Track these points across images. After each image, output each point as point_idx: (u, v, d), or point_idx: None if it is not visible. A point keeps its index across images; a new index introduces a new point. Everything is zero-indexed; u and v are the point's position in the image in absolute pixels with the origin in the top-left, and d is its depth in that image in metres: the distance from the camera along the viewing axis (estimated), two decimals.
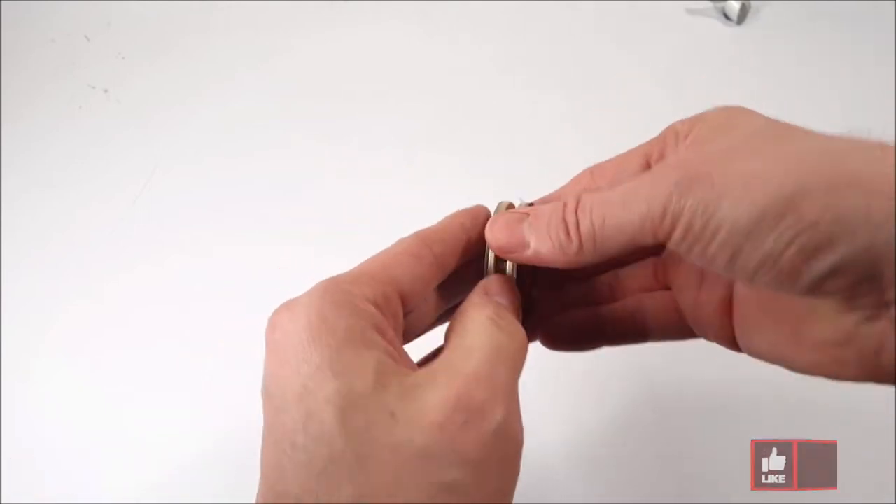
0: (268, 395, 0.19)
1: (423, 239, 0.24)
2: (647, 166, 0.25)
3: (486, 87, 0.62)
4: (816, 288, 0.19)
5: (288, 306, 0.20)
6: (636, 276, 0.29)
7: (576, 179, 0.28)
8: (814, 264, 0.19)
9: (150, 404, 0.44)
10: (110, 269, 0.51)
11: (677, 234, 0.20)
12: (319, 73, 0.64)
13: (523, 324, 0.24)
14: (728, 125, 0.23)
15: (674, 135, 0.25)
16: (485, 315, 0.22)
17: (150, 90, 0.64)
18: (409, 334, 0.24)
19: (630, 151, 0.26)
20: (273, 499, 0.19)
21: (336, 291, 0.20)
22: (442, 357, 0.21)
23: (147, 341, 0.47)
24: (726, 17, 0.66)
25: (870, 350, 0.20)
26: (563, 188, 0.28)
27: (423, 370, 0.20)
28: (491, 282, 0.25)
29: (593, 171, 0.27)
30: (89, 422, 0.43)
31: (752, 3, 0.66)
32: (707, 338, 0.26)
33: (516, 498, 0.20)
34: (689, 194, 0.19)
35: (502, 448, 0.19)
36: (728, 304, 0.25)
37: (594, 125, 0.58)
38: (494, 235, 0.24)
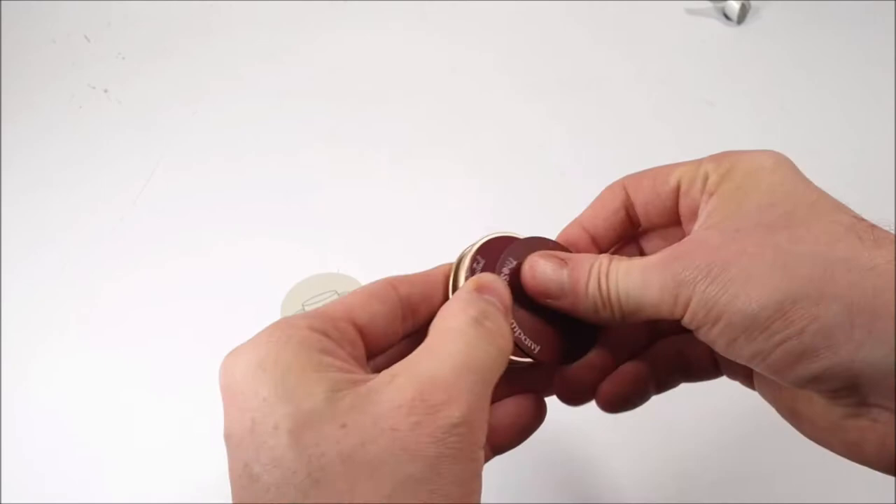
0: (226, 437, 0.20)
1: (390, 281, 0.25)
2: (677, 192, 0.26)
3: (486, 88, 0.62)
4: (802, 386, 0.21)
5: (235, 350, 0.20)
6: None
7: (609, 194, 0.27)
8: (798, 368, 0.20)
9: (150, 404, 0.44)
10: (111, 269, 0.51)
11: (686, 318, 0.22)
12: (320, 73, 0.64)
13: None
14: (751, 186, 0.23)
15: (703, 179, 0.25)
16: (468, 315, 0.21)
17: (151, 90, 0.63)
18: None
19: (665, 169, 0.26)
20: None
21: (282, 328, 0.21)
22: (411, 356, 0.21)
23: (147, 341, 0.47)
24: (726, 17, 0.66)
25: (852, 441, 0.21)
26: (594, 205, 0.28)
27: (385, 373, 0.20)
28: (484, 277, 0.24)
29: (627, 186, 0.27)
30: (89, 422, 0.43)
31: (752, 3, 0.66)
32: (738, 381, 0.27)
33: None
34: (695, 287, 0.21)
35: (458, 446, 0.19)
36: None
37: (593, 125, 0.58)
38: (533, 280, 0.25)
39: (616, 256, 0.24)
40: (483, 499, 0.20)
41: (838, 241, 0.21)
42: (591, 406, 0.27)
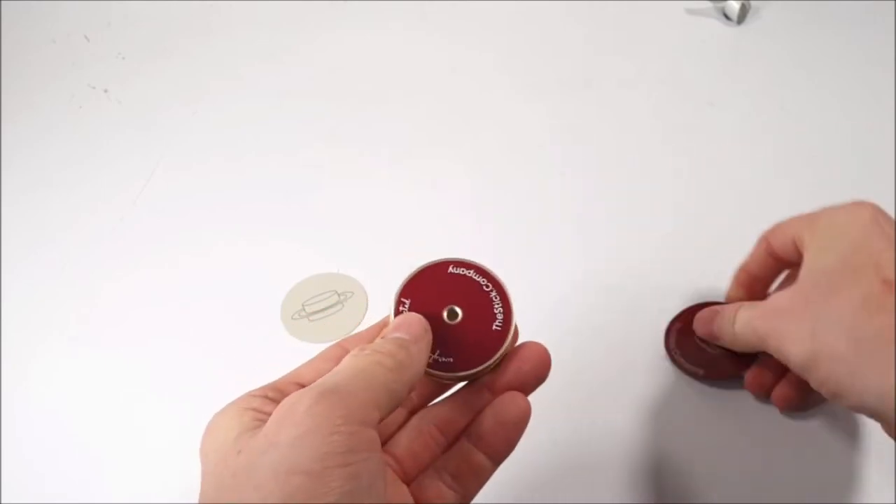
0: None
1: (339, 342, 0.29)
2: (795, 245, 0.34)
3: (486, 88, 0.62)
4: (855, 411, 0.31)
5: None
6: None
7: (758, 247, 0.38)
8: (840, 401, 0.29)
9: (151, 404, 0.44)
10: (111, 269, 0.51)
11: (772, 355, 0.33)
12: (320, 73, 0.64)
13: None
14: (825, 246, 0.31)
15: (800, 237, 0.33)
16: (352, 352, 0.25)
17: (151, 90, 0.64)
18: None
19: (784, 225, 0.35)
20: None
21: (236, 400, 0.25)
22: None
23: (147, 342, 0.47)
24: (726, 17, 0.66)
25: None
26: (753, 254, 0.39)
27: None
28: (396, 320, 0.27)
29: (769, 238, 0.37)
30: (90, 422, 0.43)
31: (752, 2, 0.66)
32: None
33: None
34: (768, 340, 0.32)
35: (315, 424, 0.21)
36: None
37: (594, 125, 0.58)
38: (700, 328, 0.40)
39: (745, 304, 0.35)
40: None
41: (857, 311, 0.28)
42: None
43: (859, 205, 0.31)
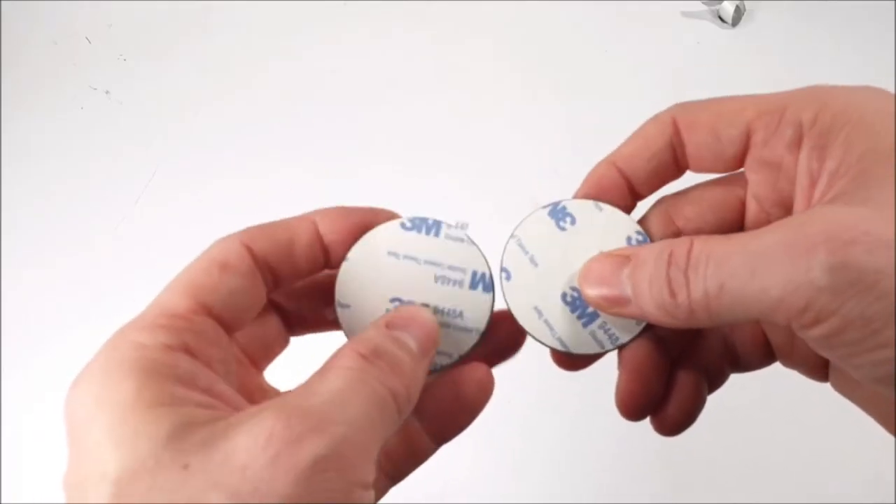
0: (63, 485, 0.16)
1: (242, 238, 0.21)
2: (746, 139, 0.20)
3: (486, 88, 0.62)
4: None
5: (76, 381, 0.17)
6: None
7: (655, 128, 0.22)
8: None
9: None
10: (111, 269, 0.51)
11: (816, 332, 0.16)
12: (320, 74, 0.64)
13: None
14: (871, 135, 0.18)
15: (796, 127, 0.19)
16: (357, 351, 0.18)
17: (152, 92, 0.64)
18: (261, 356, 0.22)
19: (729, 105, 0.20)
20: None
21: (123, 349, 0.17)
22: (287, 392, 0.17)
23: None
24: (721, 19, 0.67)
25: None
26: (635, 141, 0.23)
27: (253, 408, 0.16)
28: (403, 310, 0.20)
29: (678, 119, 0.21)
30: None
31: (747, 3, 0.67)
32: (797, 370, 0.24)
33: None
34: (845, 294, 0.15)
35: (324, 486, 0.15)
36: None
37: (590, 129, 0.59)
38: (589, 285, 0.21)
39: (702, 237, 0.18)
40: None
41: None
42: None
43: (879, 90, 0.19)
